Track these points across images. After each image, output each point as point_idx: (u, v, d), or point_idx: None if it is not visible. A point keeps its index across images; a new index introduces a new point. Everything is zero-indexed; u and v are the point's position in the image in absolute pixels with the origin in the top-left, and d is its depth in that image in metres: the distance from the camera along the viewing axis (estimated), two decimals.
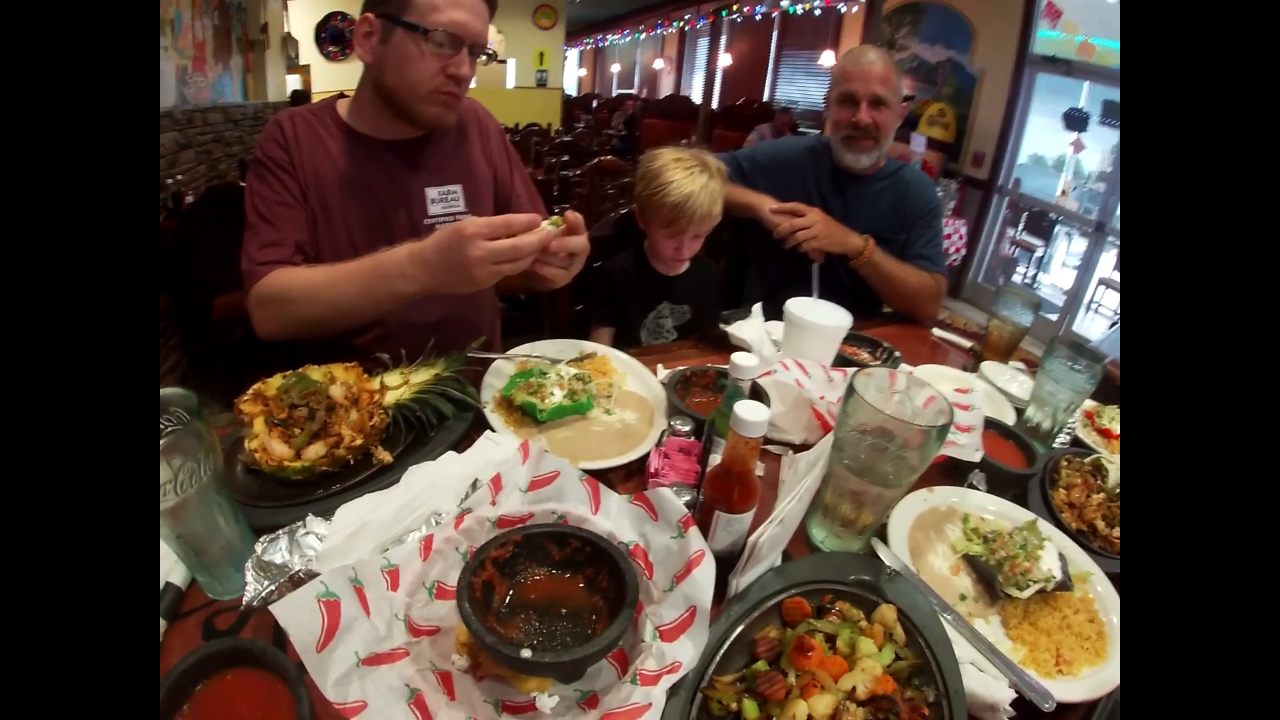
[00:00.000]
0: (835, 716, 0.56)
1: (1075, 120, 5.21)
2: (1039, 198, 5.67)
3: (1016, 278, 5.78)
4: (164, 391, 0.59)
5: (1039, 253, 5.75)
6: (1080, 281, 5.27)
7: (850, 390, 0.69)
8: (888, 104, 1.53)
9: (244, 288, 1.09)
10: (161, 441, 0.55)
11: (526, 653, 0.51)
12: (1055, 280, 5.82)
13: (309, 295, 1.02)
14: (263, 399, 0.80)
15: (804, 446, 0.96)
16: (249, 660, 0.53)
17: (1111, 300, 5.11)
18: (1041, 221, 5.66)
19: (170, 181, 3.31)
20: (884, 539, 0.80)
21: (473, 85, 1.14)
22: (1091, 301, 5.11)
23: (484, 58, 1.11)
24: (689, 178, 1.33)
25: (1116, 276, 5.12)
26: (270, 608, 0.52)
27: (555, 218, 0.92)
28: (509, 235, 0.86)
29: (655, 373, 1.14)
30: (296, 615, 0.52)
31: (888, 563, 0.74)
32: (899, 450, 0.67)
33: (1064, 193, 5.73)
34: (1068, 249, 5.81)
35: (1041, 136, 5.50)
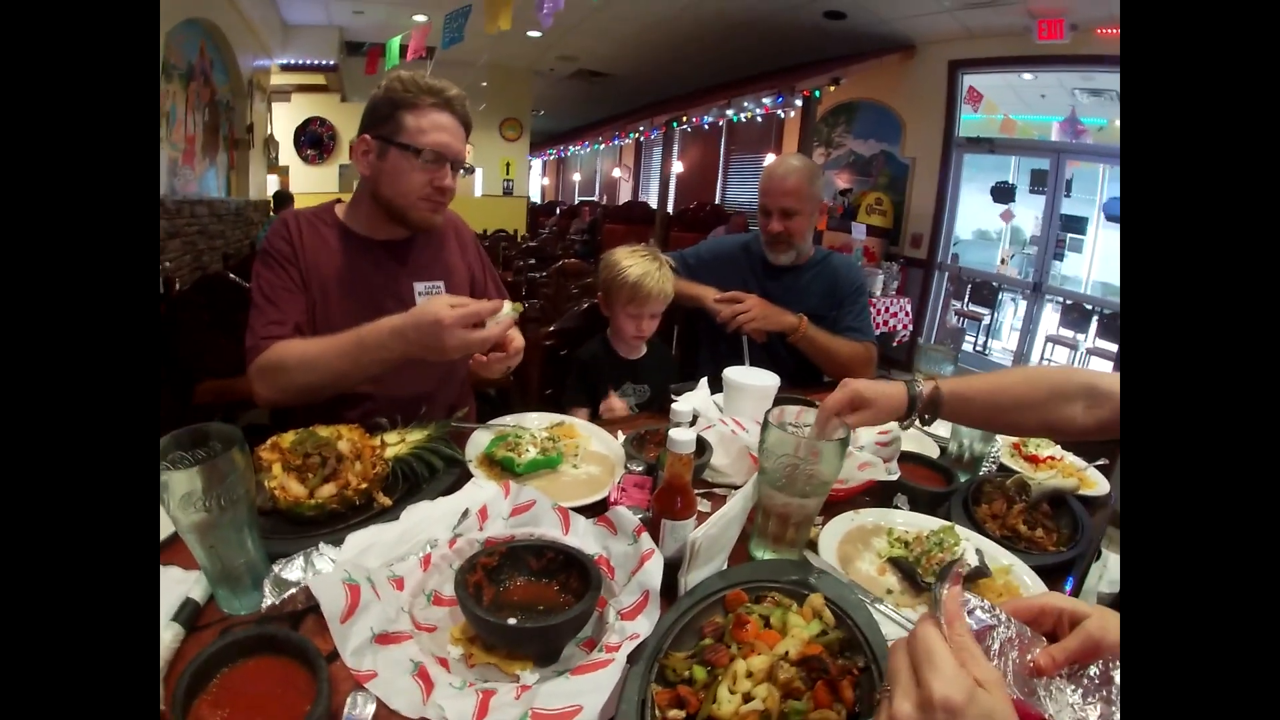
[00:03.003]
0: (771, 672, 0.68)
1: (1003, 193, 5.71)
2: (980, 269, 6.07)
3: (967, 346, 6.12)
4: (210, 425, 0.72)
5: (986, 320, 6.12)
6: (1025, 341, 5.59)
7: (766, 423, 0.85)
8: (798, 212, 1.78)
9: (247, 361, 1.23)
10: (205, 463, 0.66)
11: (513, 620, 0.64)
12: (1006, 345, 6.18)
13: (304, 364, 1.17)
14: (279, 449, 0.93)
15: None
16: (270, 647, 0.61)
17: (1061, 356, 5.41)
18: (985, 291, 6.07)
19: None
20: (817, 552, 0.94)
21: None
22: (1042, 359, 5.40)
23: (462, 171, 1.33)
24: (643, 262, 1.58)
25: (1063, 333, 5.47)
26: (306, 581, 0.64)
27: (515, 304, 1.11)
28: (478, 323, 1.05)
29: (616, 436, 1.28)
30: (327, 590, 0.65)
31: (817, 565, 0.88)
32: (807, 465, 0.82)
33: (1003, 261, 6.17)
34: (1014, 313, 6.20)
35: (979, 212, 5.95)
